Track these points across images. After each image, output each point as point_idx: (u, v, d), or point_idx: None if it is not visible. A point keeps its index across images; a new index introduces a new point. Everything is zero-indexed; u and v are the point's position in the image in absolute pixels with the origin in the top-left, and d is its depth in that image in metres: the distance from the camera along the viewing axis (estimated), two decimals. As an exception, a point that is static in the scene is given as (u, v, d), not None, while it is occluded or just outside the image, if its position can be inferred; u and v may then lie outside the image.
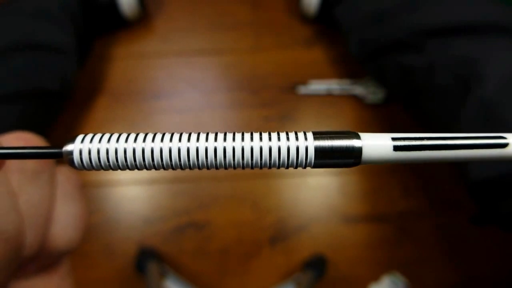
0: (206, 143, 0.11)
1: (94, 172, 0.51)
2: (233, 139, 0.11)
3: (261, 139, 0.11)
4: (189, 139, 0.11)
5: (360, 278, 0.55)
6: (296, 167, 0.11)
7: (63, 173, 0.16)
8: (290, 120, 0.60)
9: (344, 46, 0.59)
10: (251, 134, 0.11)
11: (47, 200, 0.15)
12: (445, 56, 0.41)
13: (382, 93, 0.60)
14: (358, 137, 0.11)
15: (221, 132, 0.12)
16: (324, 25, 0.65)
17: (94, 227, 0.56)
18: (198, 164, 0.12)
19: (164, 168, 0.12)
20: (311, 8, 0.62)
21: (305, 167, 0.11)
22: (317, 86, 0.62)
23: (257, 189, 0.57)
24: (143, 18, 0.66)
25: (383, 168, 0.59)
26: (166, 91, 0.62)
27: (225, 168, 0.12)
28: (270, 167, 0.11)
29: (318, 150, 0.11)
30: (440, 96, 0.42)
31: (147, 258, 0.51)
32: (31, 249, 0.14)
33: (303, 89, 0.61)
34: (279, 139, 0.11)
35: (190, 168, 0.12)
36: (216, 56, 0.64)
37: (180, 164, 0.12)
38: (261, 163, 0.11)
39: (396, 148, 0.11)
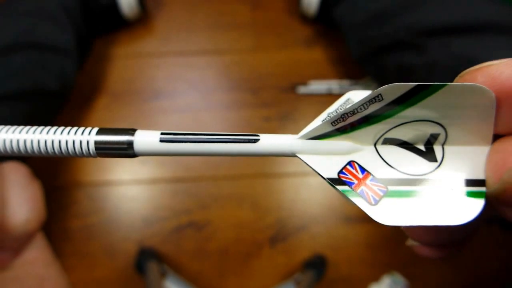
0: (10, 134, 0.13)
1: (94, 172, 0.52)
2: (34, 132, 0.13)
3: (54, 133, 0.13)
4: None
5: (360, 278, 0.55)
6: (85, 156, 0.14)
7: (9, 166, 0.18)
8: (290, 120, 0.60)
9: (344, 46, 0.59)
10: (49, 128, 0.14)
11: None
12: (445, 56, 0.41)
13: (382, 93, 0.60)
14: (133, 134, 0.13)
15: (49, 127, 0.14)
16: (324, 25, 0.65)
17: (94, 227, 0.56)
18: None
19: None
20: (311, 8, 0.62)
21: (94, 157, 0.14)
22: (317, 86, 0.62)
23: (257, 189, 0.57)
24: (143, 18, 0.66)
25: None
26: (166, 91, 0.62)
27: (34, 155, 0.14)
28: (64, 156, 0.14)
29: (98, 143, 0.13)
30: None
31: (147, 258, 0.51)
32: None
33: (303, 89, 0.61)
34: (68, 133, 0.13)
35: None
36: (216, 56, 0.64)
37: None
38: (54, 153, 0.13)
39: (162, 140, 0.13)
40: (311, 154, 0.13)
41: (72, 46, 0.53)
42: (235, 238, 0.56)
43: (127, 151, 0.13)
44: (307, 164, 0.13)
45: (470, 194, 0.12)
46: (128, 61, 0.64)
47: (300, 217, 0.56)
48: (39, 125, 0.14)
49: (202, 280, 0.54)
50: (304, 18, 0.66)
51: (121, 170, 0.58)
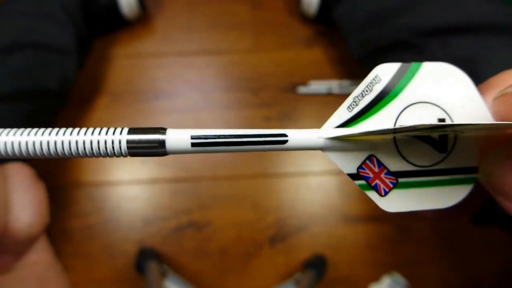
0: (40, 137, 0.13)
1: (94, 172, 0.52)
2: (63, 134, 0.13)
3: (85, 133, 0.13)
4: (22, 134, 0.13)
5: (360, 278, 0.55)
6: (116, 156, 0.14)
7: (13, 167, 0.18)
8: (290, 120, 0.60)
9: (344, 46, 0.59)
10: (79, 130, 0.14)
11: (0, 192, 0.16)
12: (445, 56, 0.41)
13: (382, 93, 0.60)
14: (164, 133, 0.14)
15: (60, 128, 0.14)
16: (324, 25, 0.65)
17: (94, 227, 0.56)
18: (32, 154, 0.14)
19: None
20: (311, 8, 0.62)
21: (124, 156, 0.14)
22: (317, 86, 0.62)
23: (257, 189, 0.57)
24: (143, 18, 0.66)
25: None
26: (166, 91, 0.62)
27: (58, 157, 0.14)
28: (94, 156, 0.14)
29: (130, 142, 0.13)
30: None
31: (147, 258, 0.51)
32: None
33: (303, 89, 0.61)
34: (99, 133, 0.13)
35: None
36: (216, 56, 0.64)
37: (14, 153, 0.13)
38: (86, 154, 0.13)
39: (193, 145, 0.14)
40: (335, 150, 0.14)
41: (72, 46, 0.53)
42: (235, 238, 0.56)
43: (157, 149, 0.14)
44: (330, 159, 0.14)
45: (464, 181, 0.14)
46: (128, 61, 0.64)
47: (300, 217, 0.56)
48: (39, 125, 0.14)
49: (202, 280, 0.54)
50: (304, 18, 0.66)
51: (121, 170, 0.58)
